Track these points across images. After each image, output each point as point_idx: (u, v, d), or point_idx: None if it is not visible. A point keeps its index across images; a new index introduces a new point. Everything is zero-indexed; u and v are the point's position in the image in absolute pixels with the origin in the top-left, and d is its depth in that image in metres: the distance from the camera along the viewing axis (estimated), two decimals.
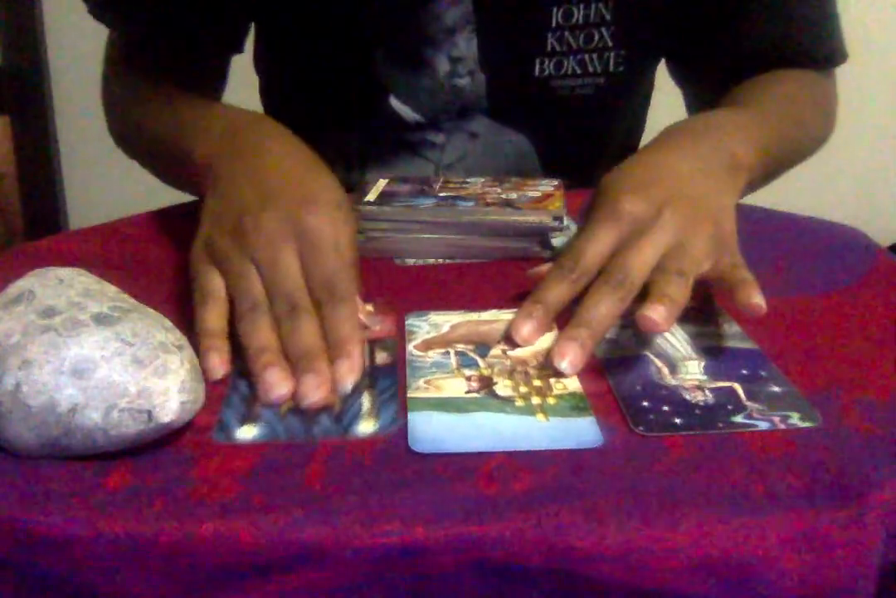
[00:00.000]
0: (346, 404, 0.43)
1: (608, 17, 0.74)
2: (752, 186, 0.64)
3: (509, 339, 0.49)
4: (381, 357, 0.48)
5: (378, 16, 0.75)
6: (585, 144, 0.83)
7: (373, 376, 0.46)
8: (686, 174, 0.55)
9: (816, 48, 0.77)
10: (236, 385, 0.45)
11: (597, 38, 0.75)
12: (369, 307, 0.53)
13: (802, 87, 0.77)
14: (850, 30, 0.79)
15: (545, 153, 0.82)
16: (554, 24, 0.74)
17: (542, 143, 0.81)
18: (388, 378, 0.46)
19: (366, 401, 0.43)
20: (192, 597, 0.35)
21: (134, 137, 0.79)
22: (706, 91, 0.80)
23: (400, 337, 0.50)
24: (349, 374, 0.44)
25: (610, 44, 0.75)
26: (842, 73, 0.81)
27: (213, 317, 0.48)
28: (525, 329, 0.49)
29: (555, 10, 0.73)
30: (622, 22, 0.75)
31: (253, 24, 0.83)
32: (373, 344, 0.49)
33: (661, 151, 0.59)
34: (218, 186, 0.57)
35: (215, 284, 0.50)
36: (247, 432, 0.41)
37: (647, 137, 0.92)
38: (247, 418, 0.42)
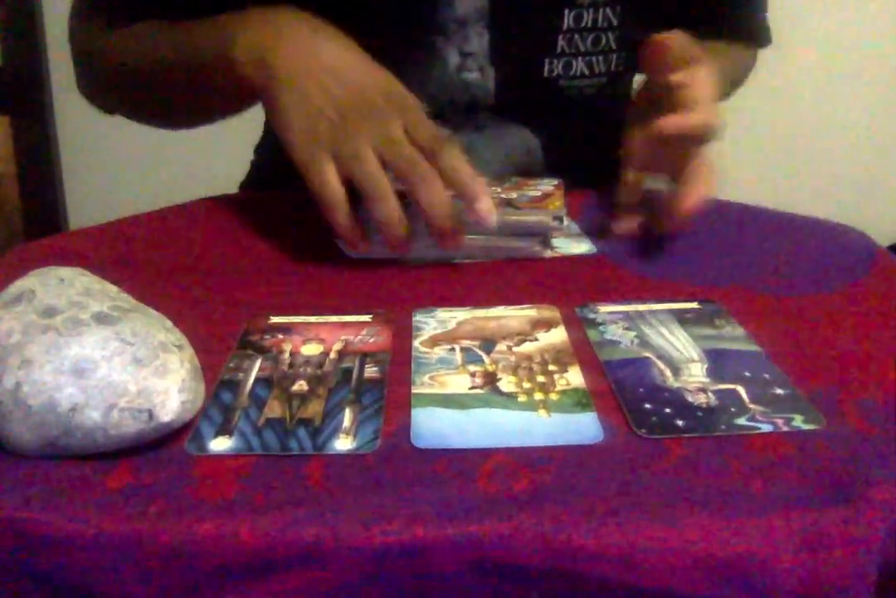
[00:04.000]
0: (326, 419, 0.42)
1: (615, 22, 0.77)
2: None
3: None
4: (371, 371, 0.47)
5: (391, 3, 0.75)
6: (589, 139, 0.85)
7: (358, 391, 0.45)
8: None
9: (758, 33, 0.90)
10: (218, 395, 0.45)
11: (604, 41, 0.78)
12: (367, 318, 0.53)
13: (735, 54, 0.88)
14: (851, 30, 0.79)
15: (549, 148, 0.83)
16: (565, 26, 0.76)
17: (546, 138, 0.83)
18: (374, 393, 0.45)
19: (347, 416, 0.43)
20: (192, 597, 0.35)
21: (123, 77, 0.77)
22: None
23: (404, 337, 0.50)
24: (491, 210, 0.58)
25: (614, 47, 0.78)
26: (842, 73, 0.81)
27: (344, 217, 0.58)
28: None
29: (566, 12, 0.75)
30: (627, 27, 0.78)
31: None
32: (364, 357, 0.48)
33: None
34: (293, 82, 0.61)
35: (333, 175, 0.58)
36: (220, 444, 0.40)
37: None
38: (222, 430, 0.41)
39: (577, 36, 0.77)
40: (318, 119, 0.59)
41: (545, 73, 0.78)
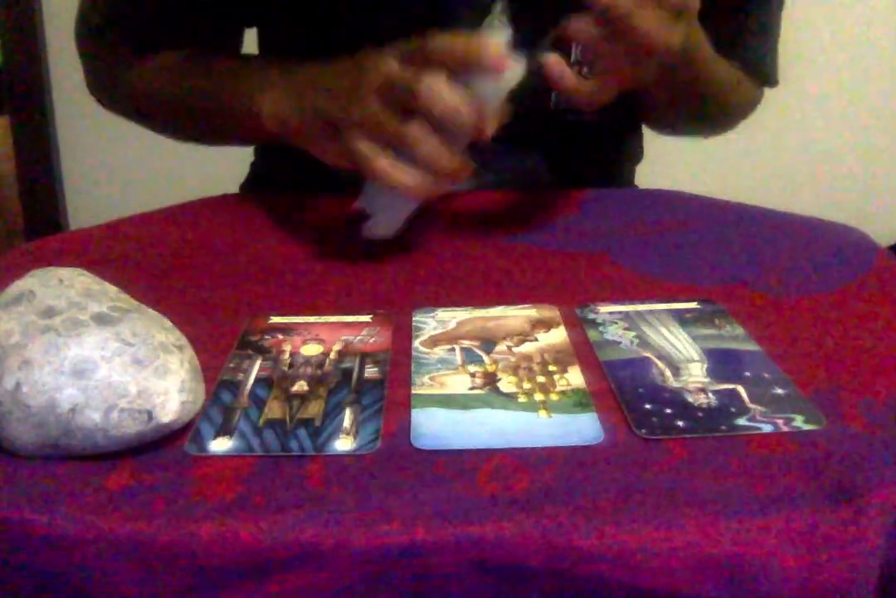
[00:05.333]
0: (326, 419, 0.42)
1: None
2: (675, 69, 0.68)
3: None
4: (371, 371, 0.47)
5: (392, 33, 0.75)
6: (592, 158, 0.86)
7: (358, 391, 0.45)
8: None
9: (763, 68, 0.86)
10: (218, 395, 0.45)
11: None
12: (367, 318, 0.53)
13: (741, 76, 0.84)
14: (851, 30, 0.79)
15: (554, 168, 0.83)
16: (573, 58, 0.76)
17: (551, 160, 0.83)
18: (374, 393, 0.45)
19: (347, 417, 0.43)
20: (192, 597, 0.35)
21: (148, 106, 0.81)
22: None
23: (404, 337, 0.50)
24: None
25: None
26: (843, 73, 0.82)
27: (387, 161, 0.57)
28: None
29: (574, 45, 0.75)
30: None
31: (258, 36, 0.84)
32: (364, 357, 0.48)
33: None
34: (290, 77, 0.65)
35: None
36: (220, 445, 0.40)
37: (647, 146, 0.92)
38: (222, 431, 0.41)
39: (585, 68, 0.77)
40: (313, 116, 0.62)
41: (552, 106, 0.78)
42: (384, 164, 0.57)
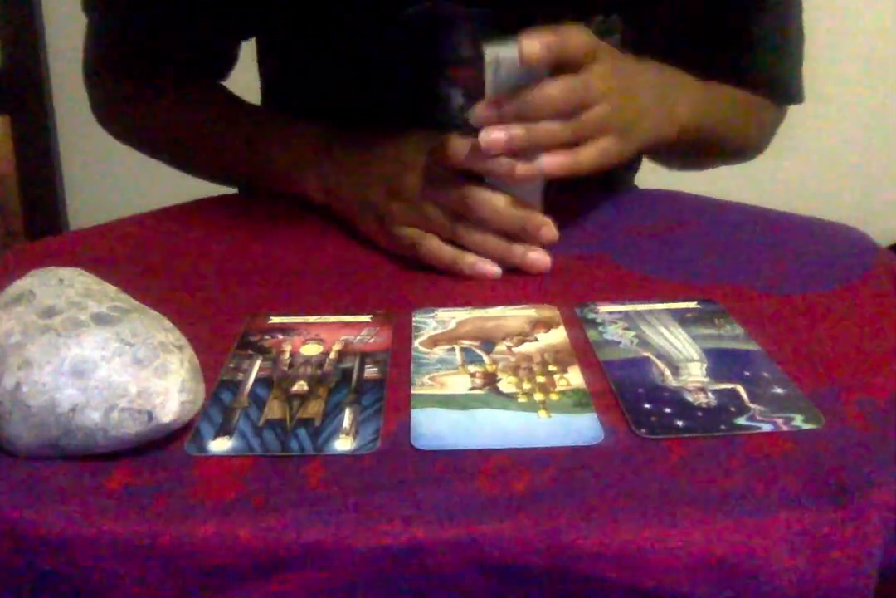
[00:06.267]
0: (326, 419, 0.42)
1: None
2: (669, 144, 0.67)
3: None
4: (371, 371, 0.47)
5: (393, 47, 0.74)
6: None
7: (358, 391, 0.45)
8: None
9: (780, 87, 0.82)
10: (218, 395, 0.45)
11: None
12: (367, 318, 0.53)
13: (752, 104, 0.81)
14: (851, 29, 0.79)
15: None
16: None
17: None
18: (374, 393, 0.45)
19: (347, 417, 0.43)
20: (192, 597, 0.35)
21: (166, 147, 0.82)
22: None
23: (404, 337, 0.50)
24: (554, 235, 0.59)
25: None
26: (844, 73, 0.81)
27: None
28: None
29: None
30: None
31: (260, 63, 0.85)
32: (364, 357, 0.48)
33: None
34: (333, 157, 0.67)
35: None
36: (220, 445, 0.40)
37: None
38: (222, 431, 0.41)
39: None
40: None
41: None
42: (433, 245, 0.59)
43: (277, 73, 0.86)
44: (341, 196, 0.67)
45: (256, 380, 0.46)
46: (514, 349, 0.49)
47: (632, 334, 0.51)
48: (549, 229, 0.58)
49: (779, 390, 0.44)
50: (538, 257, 0.59)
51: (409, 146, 0.63)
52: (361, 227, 0.65)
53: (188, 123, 0.79)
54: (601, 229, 0.69)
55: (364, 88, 0.76)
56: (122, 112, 0.83)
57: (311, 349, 0.49)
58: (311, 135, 0.71)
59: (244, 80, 0.84)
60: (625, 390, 0.44)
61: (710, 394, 0.44)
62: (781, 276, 0.59)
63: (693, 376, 0.46)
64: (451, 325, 0.52)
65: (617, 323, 0.52)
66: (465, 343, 0.50)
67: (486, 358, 0.48)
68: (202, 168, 0.82)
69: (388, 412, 0.43)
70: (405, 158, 0.62)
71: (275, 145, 0.72)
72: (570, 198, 0.65)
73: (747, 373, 0.46)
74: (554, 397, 0.44)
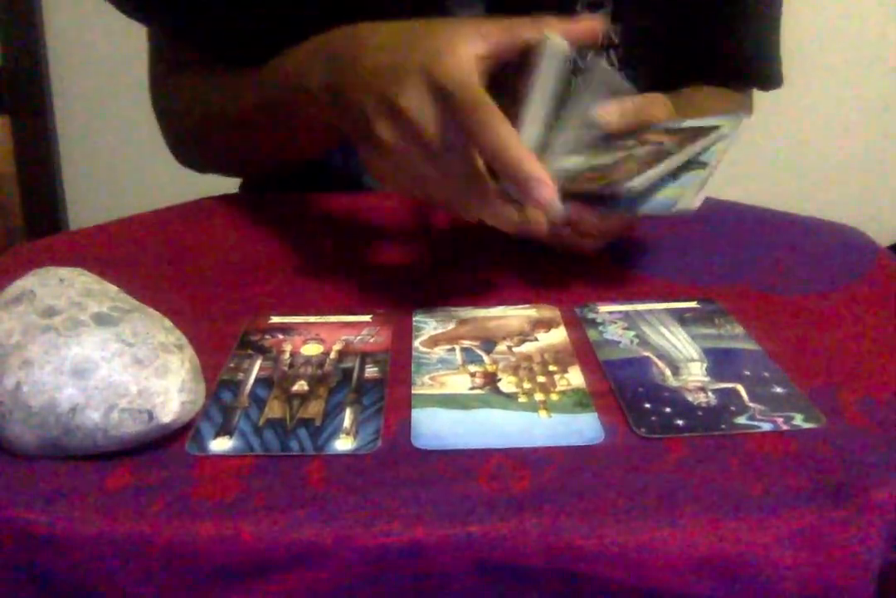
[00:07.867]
0: (327, 419, 0.42)
1: (616, 40, 0.77)
2: None
3: None
4: (371, 371, 0.47)
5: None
6: None
7: (358, 391, 0.45)
8: None
9: (760, 72, 0.84)
10: (218, 395, 0.45)
11: (605, 58, 0.78)
12: (367, 318, 0.53)
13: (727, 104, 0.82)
14: (850, 28, 0.79)
15: None
16: None
17: None
18: (374, 393, 0.45)
19: (347, 416, 0.43)
20: (192, 597, 0.35)
21: (209, 129, 0.79)
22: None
23: (404, 337, 0.50)
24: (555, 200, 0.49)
25: (616, 65, 0.78)
26: (845, 73, 0.82)
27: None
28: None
29: None
30: (628, 44, 0.78)
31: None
32: (364, 357, 0.48)
33: None
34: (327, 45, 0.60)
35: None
36: (221, 445, 0.40)
37: None
38: (222, 431, 0.41)
39: (576, 55, 0.77)
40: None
41: None
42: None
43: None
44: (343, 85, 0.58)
45: (257, 380, 0.46)
46: (515, 349, 0.49)
47: (632, 333, 0.51)
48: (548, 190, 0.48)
49: (779, 390, 0.44)
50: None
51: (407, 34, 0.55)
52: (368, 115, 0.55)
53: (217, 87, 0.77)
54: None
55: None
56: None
57: (312, 349, 0.49)
58: (313, 40, 0.66)
59: None
60: (625, 390, 0.45)
61: (710, 393, 0.44)
62: (781, 276, 0.59)
63: (693, 375, 0.46)
64: (452, 325, 0.52)
65: (617, 323, 0.52)
66: (466, 343, 0.50)
67: (486, 358, 0.48)
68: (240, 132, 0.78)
69: (388, 412, 0.43)
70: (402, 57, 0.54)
71: (282, 60, 0.68)
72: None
73: (747, 373, 0.46)
74: (554, 396, 0.44)
